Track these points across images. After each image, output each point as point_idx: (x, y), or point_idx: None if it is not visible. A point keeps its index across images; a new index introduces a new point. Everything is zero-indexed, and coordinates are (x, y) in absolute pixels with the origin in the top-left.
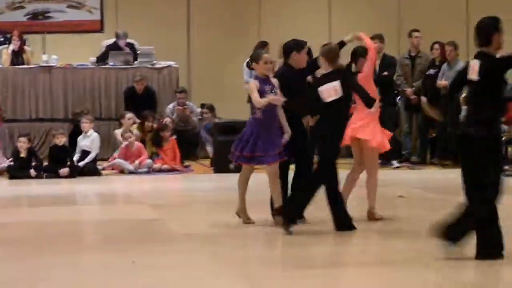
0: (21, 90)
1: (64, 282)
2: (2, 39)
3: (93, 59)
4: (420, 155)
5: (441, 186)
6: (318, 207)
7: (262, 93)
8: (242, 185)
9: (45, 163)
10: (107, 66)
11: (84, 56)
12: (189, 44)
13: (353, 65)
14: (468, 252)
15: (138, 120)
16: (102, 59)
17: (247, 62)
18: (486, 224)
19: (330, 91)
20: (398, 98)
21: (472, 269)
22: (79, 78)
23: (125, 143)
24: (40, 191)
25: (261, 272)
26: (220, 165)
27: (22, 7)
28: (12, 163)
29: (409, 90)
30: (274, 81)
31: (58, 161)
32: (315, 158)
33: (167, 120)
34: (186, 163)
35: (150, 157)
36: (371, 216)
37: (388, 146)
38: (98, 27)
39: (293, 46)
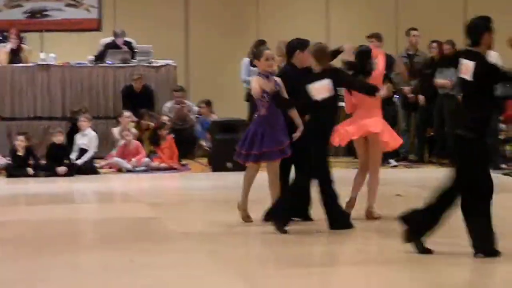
0: (19, 89)
1: (63, 282)
2: (0, 38)
3: (91, 57)
4: (417, 153)
5: (438, 185)
6: (316, 206)
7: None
8: (247, 184)
9: (43, 162)
10: (105, 64)
11: (82, 54)
12: (187, 42)
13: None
14: (465, 252)
15: (136, 119)
16: (100, 57)
17: (250, 60)
18: (482, 220)
19: (321, 89)
20: (396, 96)
21: (470, 268)
22: (77, 77)
23: (122, 141)
24: (38, 189)
25: (259, 271)
26: (217, 164)
27: (20, 5)
28: (10, 161)
29: (406, 89)
30: (277, 79)
31: (56, 160)
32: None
33: (164, 118)
34: (184, 161)
35: (148, 156)
36: (370, 215)
37: (396, 145)
38: (96, 26)
39: (296, 45)
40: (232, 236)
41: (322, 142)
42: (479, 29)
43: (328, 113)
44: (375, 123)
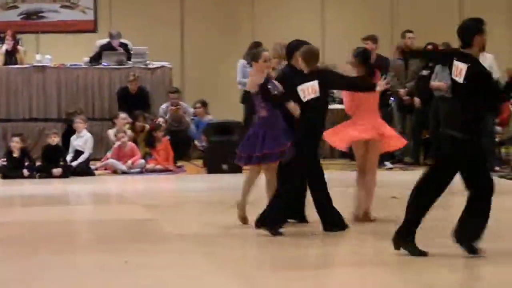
0: (15, 90)
1: (58, 282)
2: None
3: (87, 59)
4: (413, 156)
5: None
6: (311, 208)
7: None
8: (248, 186)
9: (38, 163)
10: (100, 66)
11: (77, 56)
12: (183, 44)
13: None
14: (459, 254)
15: (131, 120)
16: (95, 59)
17: (249, 63)
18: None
19: (308, 90)
20: (392, 99)
21: (463, 270)
22: (72, 78)
23: (118, 143)
24: (33, 191)
25: (255, 272)
26: (213, 166)
27: (16, 7)
28: (5, 163)
29: (402, 91)
30: (275, 82)
31: (51, 161)
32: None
33: (160, 120)
34: (179, 163)
35: (143, 157)
36: (366, 217)
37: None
38: (91, 27)
39: (296, 47)
40: (228, 237)
41: (313, 143)
42: (470, 31)
43: (317, 114)
44: (385, 125)
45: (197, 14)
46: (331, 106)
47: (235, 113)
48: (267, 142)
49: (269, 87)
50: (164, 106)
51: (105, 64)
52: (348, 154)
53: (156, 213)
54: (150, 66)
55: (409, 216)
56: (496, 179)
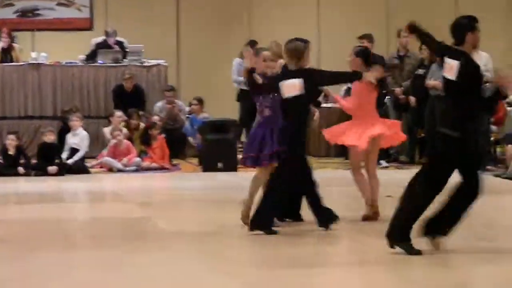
0: (10, 88)
1: (52, 281)
2: None
3: (83, 57)
4: (408, 154)
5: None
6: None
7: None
8: (256, 187)
9: (34, 161)
10: (96, 64)
11: (73, 54)
12: (178, 42)
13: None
14: (454, 252)
15: (126, 118)
16: (91, 57)
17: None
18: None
19: (290, 87)
20: (387, 97)
21: (461, 269)
22: (68, 76)
23: (113, 141)
24: (28, 188)
25: (249, 271)
26: (208, 164)
27: (11, 4)
28: (0, 160)
29: (398, 90)
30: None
31: (47, 159)
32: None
33: (155, 118)
34: (175, 161)
35: (139, 155)
36: (375, 210)
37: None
38: (87, 25)
39: None
40: (223, 235)
41: (297, 141)
42: (462, 28)
43: (298, 112)
44: (376, 125)
45: (193, 12)
46: (329, 105)
47: (231, 111)
48: (275, 141)
49: (256, 76)
50: (159, 104)
51: (101, 62)
52: (344, 153)
53: (151, 211)
54: (146, 64)
55: (405, 215)
56: (491, 178)
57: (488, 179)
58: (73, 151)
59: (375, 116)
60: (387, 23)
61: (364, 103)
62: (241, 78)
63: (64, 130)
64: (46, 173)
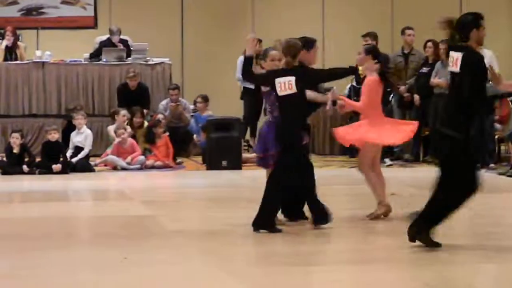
0: (14, 86)
1: (56, 279)
2: None
3: (87, 55)
4: (412, 153)
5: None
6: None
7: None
8: None
9: (38, 159)
10: (100, 62)
11: (77, 52)
12: (183, 40)
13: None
14: (465, 250)
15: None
16: (95, 55)
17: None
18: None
19: (285, 85)
20: (391, 95)
21: (466, 266)
22: (72, 74)
23: (118, 139)
24: (33, 187)
25: (252, 269)
26: (212, 162)
27: (16, 3)
28: (4, 159)
29: (402, 88)
30: None
31: (51, 157)
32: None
33: (159, 116)
34: (179, 159)
35: (143, 154)
36: (386, 207)
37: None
38: (91, 23)
39: (302, 44)
40: (226, 234)
41: (292, 138)
42: (467, 25)
43: (293, 109)
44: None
45: (197, 11)
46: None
47: (235, 109)
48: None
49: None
50: (164, 102)
51: (105, 60)
52: (348, 151)
53: (155, 210)
54: (150, 62)
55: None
56: (495, 176)
57: (492, 178)
58: (78, 149)
59: (383, 114)
60: (392, 22)
61: (374, 101)
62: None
63: (69, 128)
64: (50, 172)
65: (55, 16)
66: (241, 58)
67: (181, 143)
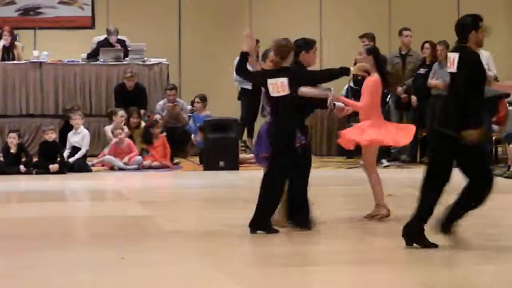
0: (12, 86)
1: (53, 279)
2: None
3: (84, 55)
4: (410, 154)
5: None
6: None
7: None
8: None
9: (35, 159)
10: (97, 62)
11: (75, 52)
12: (180, 41)
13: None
14: (464, 251)
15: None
16: (93, 55)
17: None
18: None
19: (277, 86)
20: (388, 96)
21: (465, 267)
22: (69, 74)
23: (115, 140)
24: (30, 187)
25: (248, 270)
26: (209, 162)
27: (13, 3)
28: (1, 158)
29: (399, 89)
30: None
31: (48, 157)
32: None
33: (157, 117)
34: (176, 160)
35: (140, 154)
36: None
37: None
38: (89, 23)
39: (302, 46)
40: (223, 234)
41: (284, 138)
42: (466, 27)
43: (288, 113)
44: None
45: (195, 11)
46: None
47: (233, 110)
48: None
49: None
50: (161, 103)
51: (103, 60)
52: (345, 151)
53: (152, 210)
54: (148, 62)
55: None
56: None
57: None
58: (75, 149)
59: (382, 115)
60: (389, 23)
61: (375, 102)
62: None
63: (66, 128)
64: (47, 172)
65: (52, 16)
66: (238, 59)
67: (179, 144)
